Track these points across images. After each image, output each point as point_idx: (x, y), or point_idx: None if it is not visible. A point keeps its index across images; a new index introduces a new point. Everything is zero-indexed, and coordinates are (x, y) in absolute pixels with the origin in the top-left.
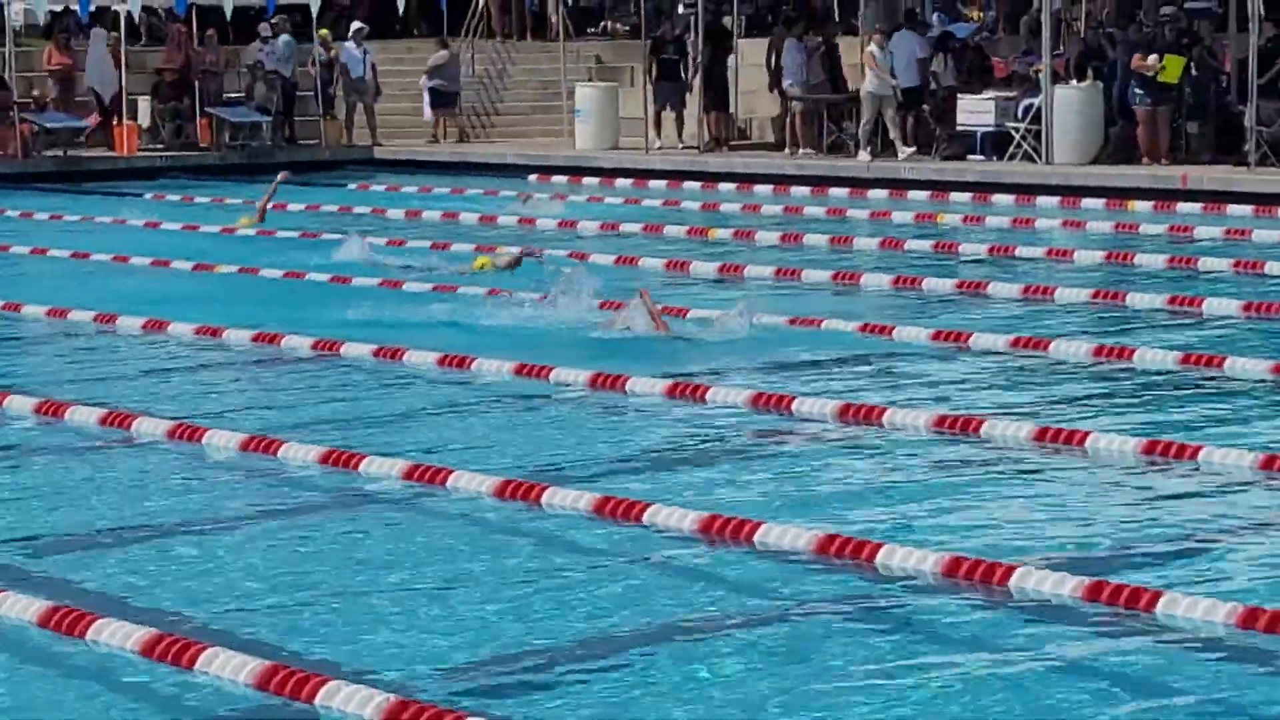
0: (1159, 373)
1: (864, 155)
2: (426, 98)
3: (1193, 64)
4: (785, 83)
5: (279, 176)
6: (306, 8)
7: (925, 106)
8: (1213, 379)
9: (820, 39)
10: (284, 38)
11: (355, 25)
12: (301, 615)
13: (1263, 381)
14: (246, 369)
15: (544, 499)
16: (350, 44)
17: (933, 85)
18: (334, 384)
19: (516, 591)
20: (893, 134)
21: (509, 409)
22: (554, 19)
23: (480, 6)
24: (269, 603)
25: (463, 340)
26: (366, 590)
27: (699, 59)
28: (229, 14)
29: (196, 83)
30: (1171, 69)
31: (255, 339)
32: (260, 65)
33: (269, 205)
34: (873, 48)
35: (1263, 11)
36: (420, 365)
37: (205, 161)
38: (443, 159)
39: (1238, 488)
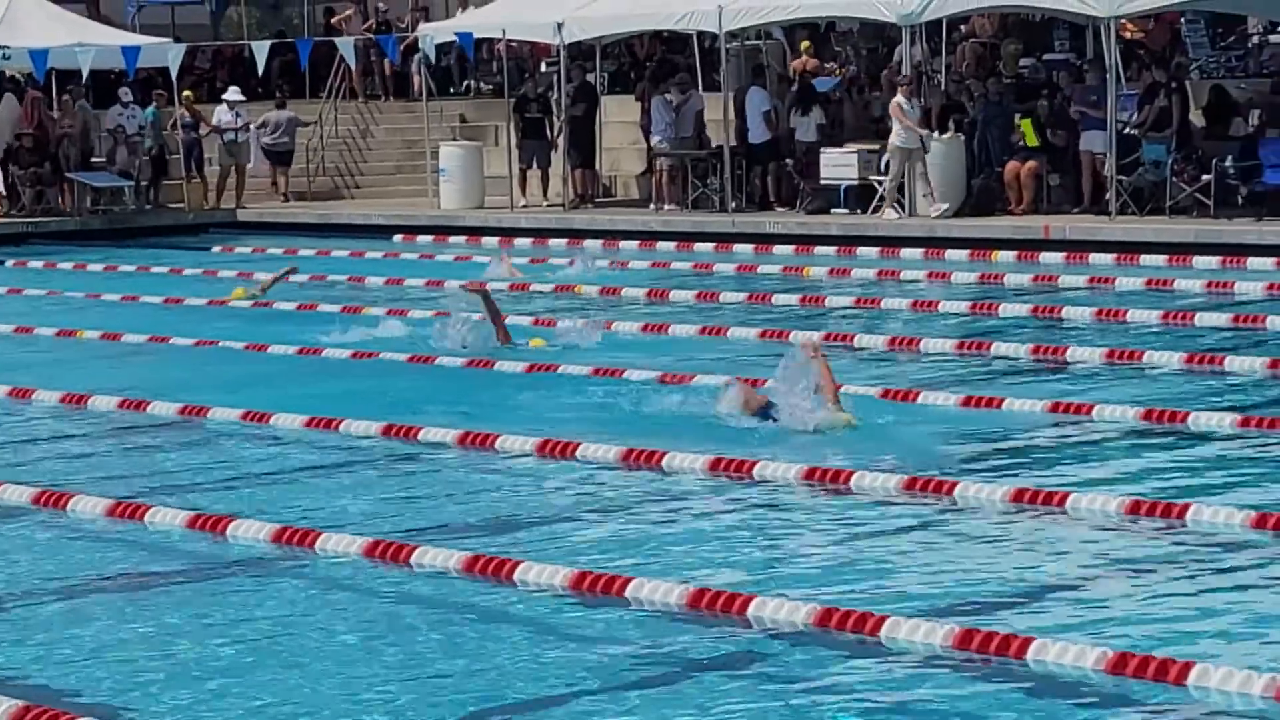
0: (1026, 421)
1: (891, 213)
2: (256, 150)
3: (1052, 116)
4: (653, 139)
5: (288, 269)
6: (168, 71)
7: (789, 161)
8: (1079, 426)
9: (687, 95)
10: (151, 106)
11: (231, 90)
12: (156, 681)
13: (1128, 428)
14: (112, 435)
15: (413, 559)
16: (223, 108)
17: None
18: (200, 447)
19: (384, 652)
20: (921, 189)
21: (378, 468)
22: (416, 79)
23: (342, 68)
24: (126, 670)
25: (331, 400)
26: (226, 655)
27: (564, 116)
28: (85, 77)
29: (58, 148)
30: (1028, 133)
31: (121, 405)
32: (121, 130)
33: (272, 284)
34: (899, 99)
35: (1120, 63)
36: (289, 427)
37: (66, 227)
38: (308, 220)
39: (1105, 533)
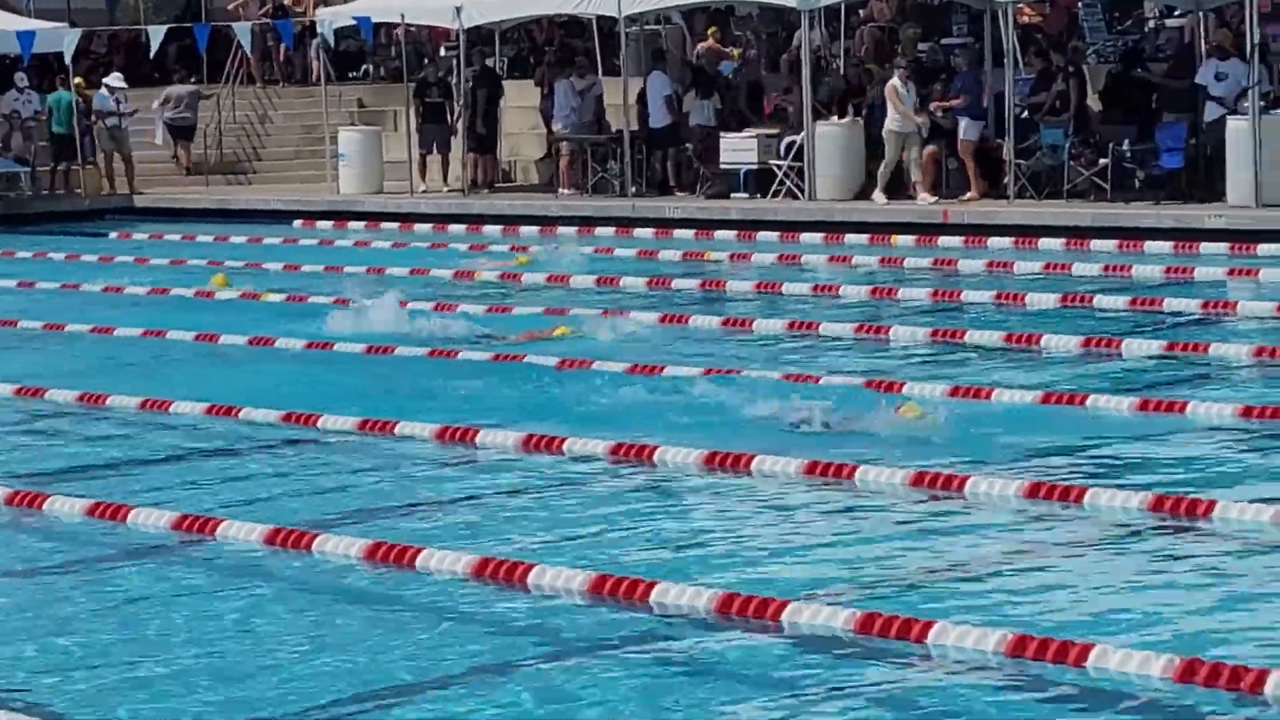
0: (926, 404)
1: (881, 198)
2: (161, 128)
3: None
4: (554, 124)
5: None
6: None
7: (688, 146)
8: (978, 409)
9: (591, 80)
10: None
11: (113, 75)
12: (58, 671)
13: (1026, 411)
14: (8, 421)
15: (315, 546)
16: (104, 92)
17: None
18: (100, 435)
19: (285, 640)
20: (914, 175)
21: (279, 455)
22: (315, 63)
23: (239, 53)
24: (18, 657)
25: (232, 387)
26: (128, 644)
27: (464, 101)
28: None
29: None
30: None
31: (18, 392)
32: (17, 115)
33: None
34: (895, 82)
35: (1018, 47)
36: (188, 414)
37: None
38: (205, 206)
39: (1005, 516)
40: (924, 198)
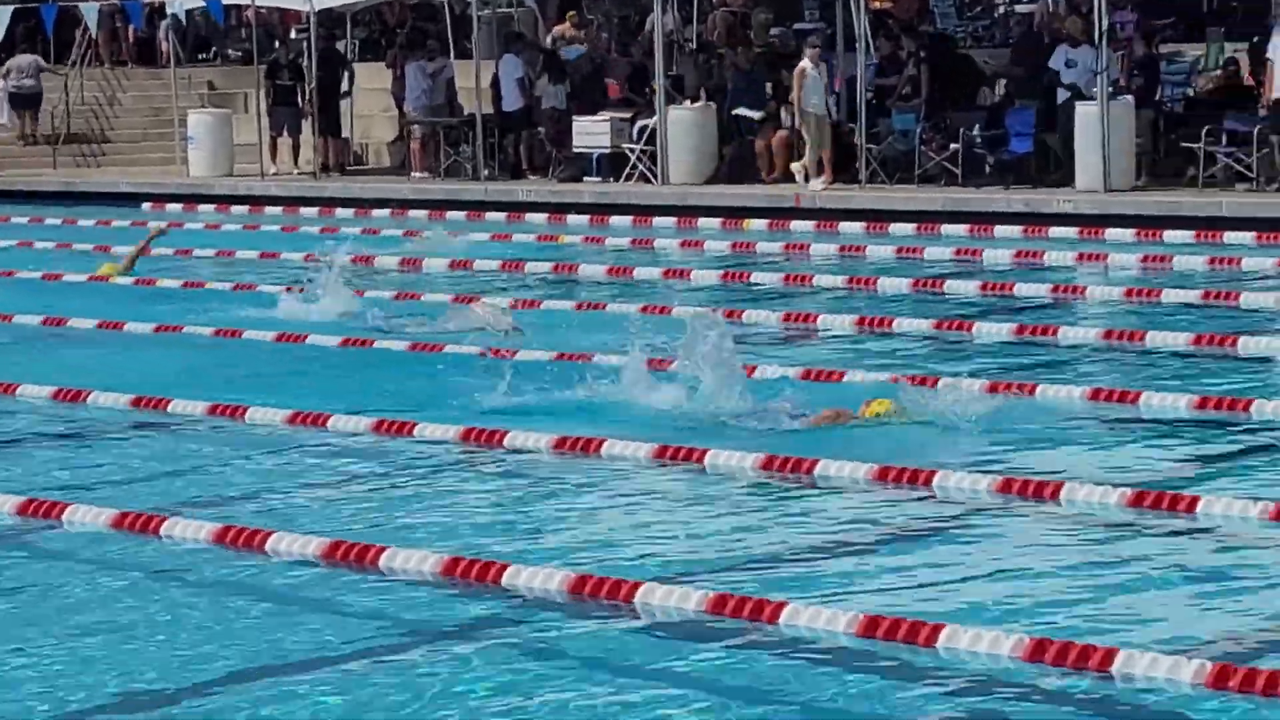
0: (776, 389)
1: (816, 183)
2: (5, 106)
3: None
4: (405, 107)
5: (153, 232)
6: None
7: (540, 129)
8: (831, 393)
9: (443, 63)
10: None
11: None
12: None
13: (878, 395)
14: None
15: (163, 530)
16: None
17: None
18: None
19: (131, 624)
20: (810, 158)
21: (127, 440)
22: (164, 45)
23: (88, 33)
24: None
25: (80, 371)
26: None
27: (312, 84)
28: None
29: None
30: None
31: None
32: None
33: (139, 255)
34: (805, 64)
35: (869, 32)
36: (34, 398)
37: None
38: (53, 188)
39: (856, 498)
40: (817, 183)
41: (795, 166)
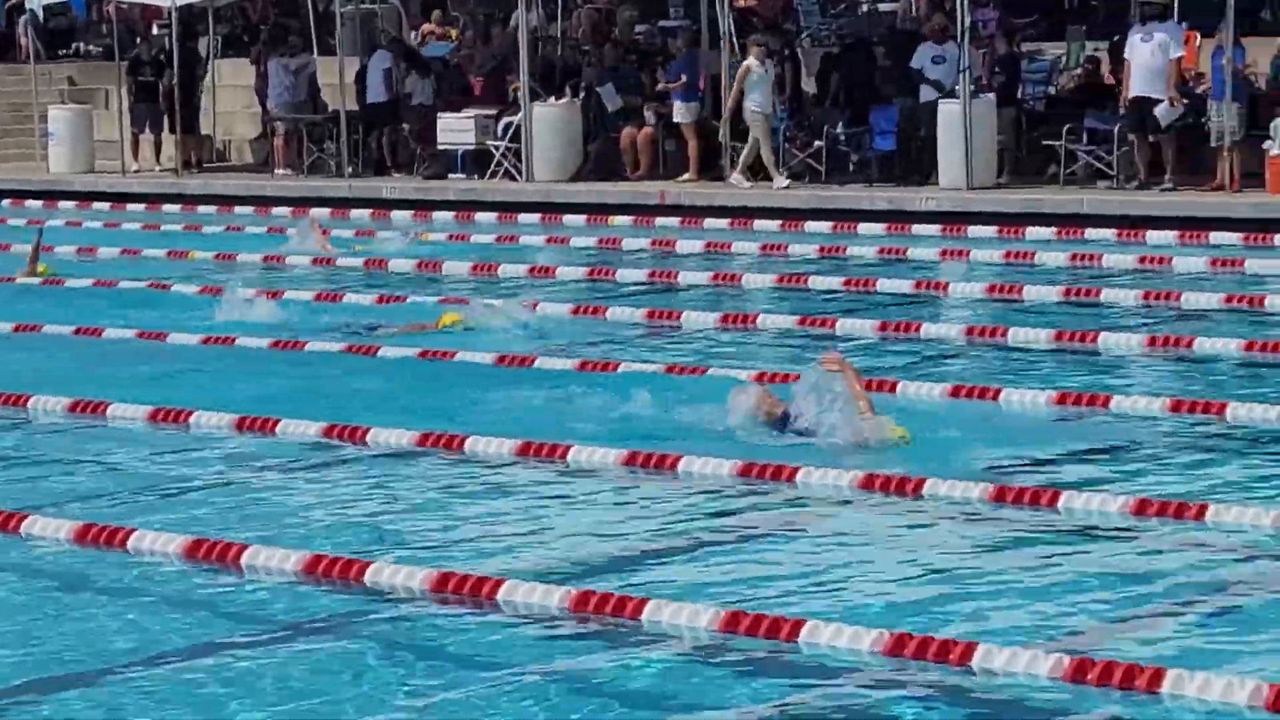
0: (641, 384)
1: (780, 180)
2: None
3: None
4: (268, 103)
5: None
6: None
7: (405, 126)
8: (692, 389)
9: (306, 59)
10: None
11: None
12: None
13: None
14: None
15: (23, 528)
16: None
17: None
18: None
19: None
20: (744, 158)
21: None
22: (23, 40)
23: None
24: None
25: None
26: None
27: (175, 80)
28: None
29: None
30: None
31: None
32: None
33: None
34: (751, 62)
35: (734, 30)
36: None
37: None
38: None
39: (716, 495)
40: (737, 178)
41: (736, 177)
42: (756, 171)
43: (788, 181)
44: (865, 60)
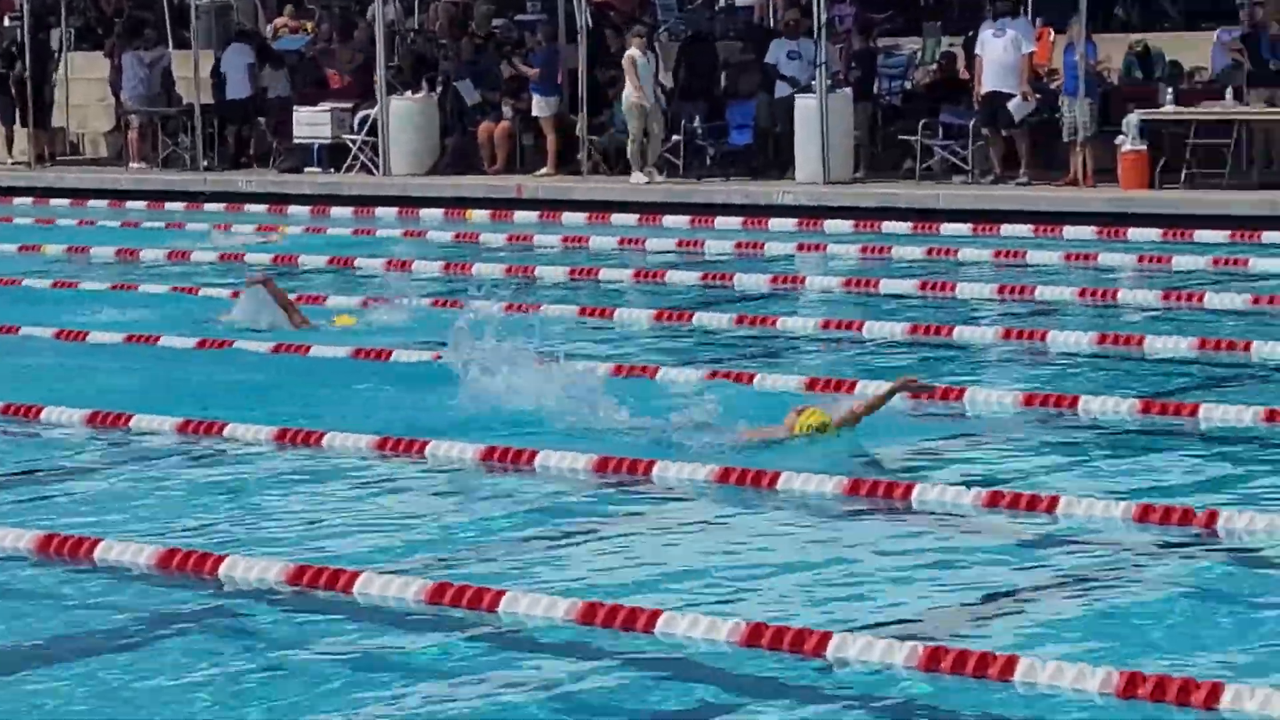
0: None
1: (639, 176)
2: None
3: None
4: (123, 96)
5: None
6: None
7: (261, 120)
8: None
9: (161, 52)
10: None
11: None
12: None
13: (598, 384)
14: None
15: None
16: None
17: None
18: None
19: None
20: (632, 150)
21: None
22: None
23: None
24: None
25: None
26: None
27: (27, 73)
28: None
29: None
30: None
31: None
32: None
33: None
34: (634, 53)
35: (590, 24)
36: None
37: None
38: None
39: (567, 487)
40: (642, 177)
41: (639, 176)
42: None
43: (645, 179)
44: (708, 54)
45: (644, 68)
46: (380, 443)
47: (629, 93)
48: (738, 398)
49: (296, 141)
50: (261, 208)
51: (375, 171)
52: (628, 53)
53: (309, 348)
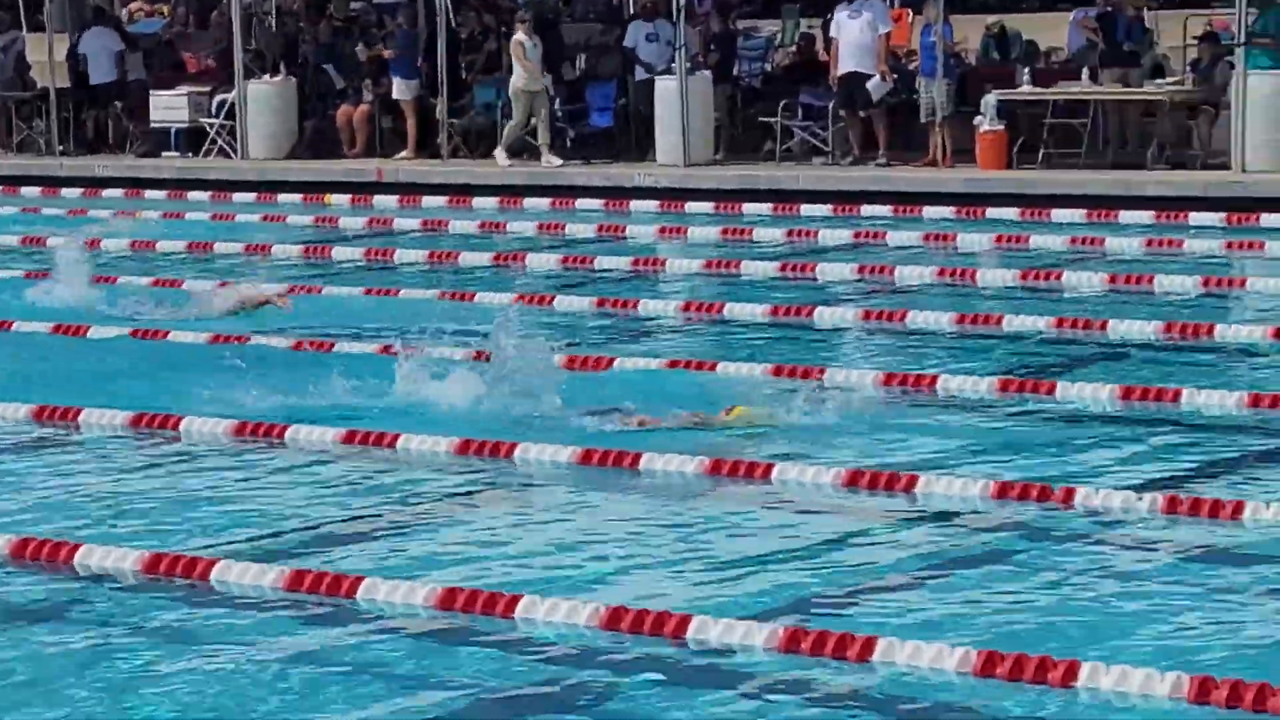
0: (365, 364)
1: (503, 159)
2: None
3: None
4: None
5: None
6: None
7: (118, 104)
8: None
9: (14, 36)
10: None
11: None
12: None
13: (452, 368)
14: None
15: None
16: None
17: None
18: None
19: None
20: (542, 136)
21: None
22: None
23: None
24: None
25: None
26: None
27: None
28: None
29: None
30: None
31: None
32: None
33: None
34: (520, 37)
35: (451, 7)
36: None
37: None
38: None
39: (433, 471)
40: (551, 160)
41: (500, 155)
42: (519, 151)
43: (509, 162)
44: (554, 39)
45: (531, 51)
46: (239, 427)
47: (515, 77)
48: (598, 380)
49: (154, 126)
50: (119, 192)
51: (234, 155)
52: (514, 36)
53: (166, 333)
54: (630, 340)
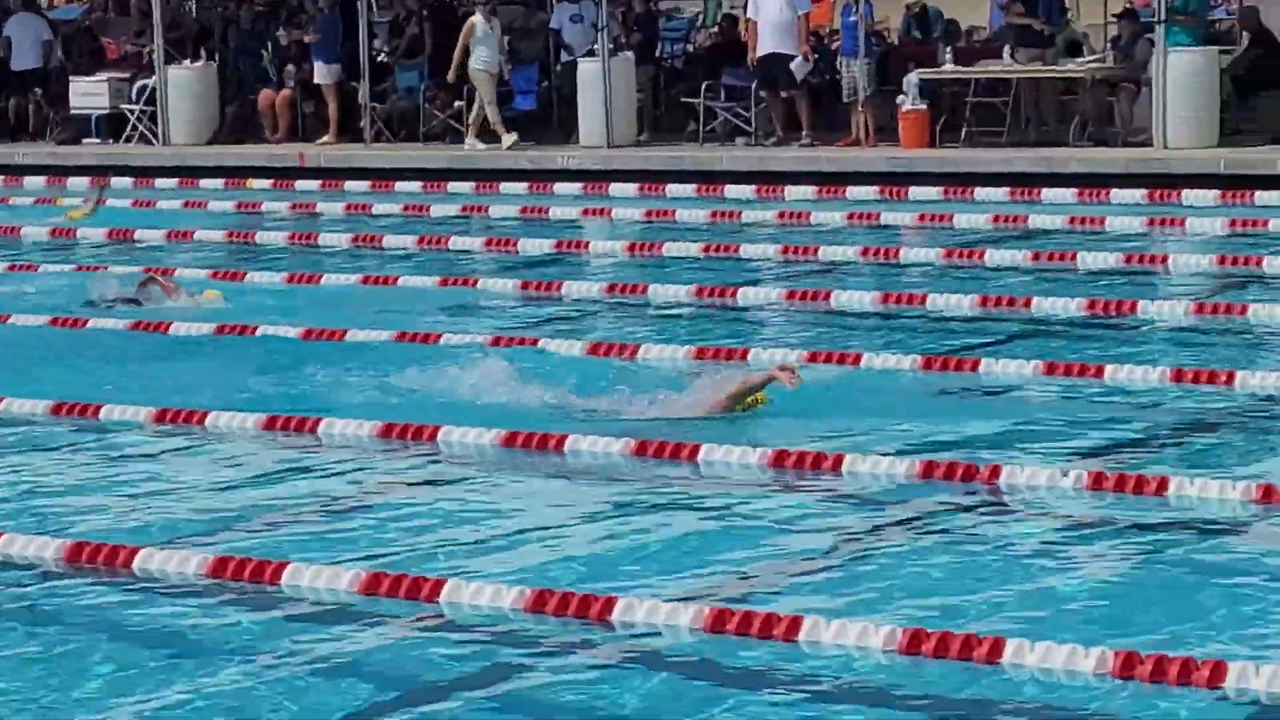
0: (287, 350)
1: (477, 143)
2: None
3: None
4: None
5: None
6: None
7: (38, 90)
8: (330, 352)
9: None
10: None
11: None
12: None
13: (377, 350)
14: None
15: None
16: None
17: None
18: None
19: None
20: (493, 117)
21: None
22: None
23: None
24: None
25: None
26: None
27: None
28: None
29: None
30: None
31: None
32: None
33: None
34: (476, 18)
35: None
36: None
37: None
38: None
39: (361, 456)
40: (507, 139)
41: (470, 141)
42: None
43: (514, 137)
44: (449, 23)
45: (486, 35)
46: (159, 414)
47: (473, 60)
48: (526, 363)
49: (74, 112)
50: (39, 180)
51: (155, 141)
52: (470, 20)
53: (86, 321)
54: (554, 323)
